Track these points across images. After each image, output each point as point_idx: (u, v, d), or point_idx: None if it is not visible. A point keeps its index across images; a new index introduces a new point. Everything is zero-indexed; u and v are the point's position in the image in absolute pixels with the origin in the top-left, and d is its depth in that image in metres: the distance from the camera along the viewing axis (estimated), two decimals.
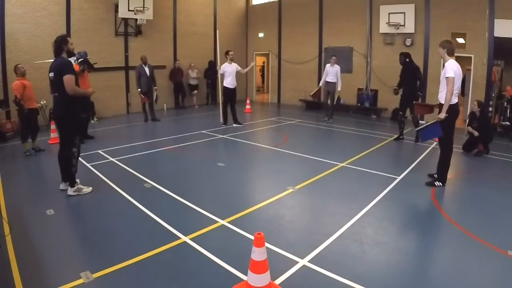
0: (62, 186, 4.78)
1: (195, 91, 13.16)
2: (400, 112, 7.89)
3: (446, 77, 4.62)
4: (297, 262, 3.07)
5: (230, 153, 7.13)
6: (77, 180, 4.71)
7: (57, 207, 4.24)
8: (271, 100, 15.25)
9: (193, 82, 13.08)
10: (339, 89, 10.05)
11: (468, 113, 8.47)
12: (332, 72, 9.97)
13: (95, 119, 10.07)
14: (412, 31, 10.40)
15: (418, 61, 8.81)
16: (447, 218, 4.04)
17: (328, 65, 10.19)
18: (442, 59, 5.20)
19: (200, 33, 13.54)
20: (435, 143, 7.20)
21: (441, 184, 5.00)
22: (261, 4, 14.94)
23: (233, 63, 9.28)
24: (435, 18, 9.91)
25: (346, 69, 12.15)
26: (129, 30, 11.27)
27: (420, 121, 7.97)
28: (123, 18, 10.86)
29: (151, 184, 5.02)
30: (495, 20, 8.68)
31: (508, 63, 9.38)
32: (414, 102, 6.76)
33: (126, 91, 11.54)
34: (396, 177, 5.39)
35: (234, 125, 9.37)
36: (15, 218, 3.93)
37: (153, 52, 11.59)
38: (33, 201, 4.47)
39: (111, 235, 3.64)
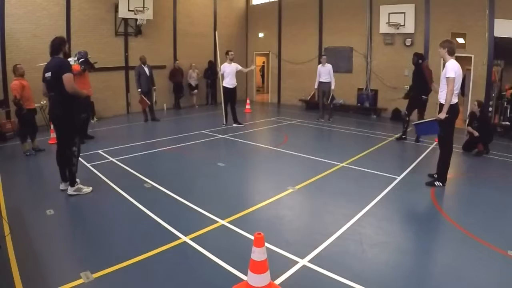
0: (62, 186, 4.78)
1: (195, 91, 13.16)
2: (406, 111, 7.89)
3: (447, 77, 4.61)
4: (297, 262, 3.07)
5: (230, 153, 7.13)
6: (77, 180, 4.71)
7: (57, 207, 4.24)
8: (271, 100, 15.25)
9: (193, 82, 13.09)
10: (333, 87, 10.02)
11: (468, 113, 8.47)
12: (324, 72, 9.93)
13: (95, 119, 10.07)
14: (412, 31, 10.40)
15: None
16: (447, 218, 4.04)
17: (319, 66, 10.17)
18: (442, 59, 5.19)
19: (200, 33, 13.54)
20: (435, 143, 7.20)
21: (441, 184, 5.00)
22: (261, 4, 14.94)
23: (233, 63, 9.29)
24: (435, 18, 9.91)
25: (346, 69, 12.17)
26: (129, 30, 11.27)
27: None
28: (123, 18, 10.86)
29: (151, 184, 5.02)
30: (495, 20, 8.68)
31: (508, 63, 9.39)
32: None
33: (126, 91, 11.54)
34: (396, 177, 5.39)
35: (234, 125, 9.37)
36: (15, 218, 3.92)
37: (153, 52, 11.59)
38: (33, 201, 4.47)
39: (111, 235, 3.65)
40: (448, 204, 4.63)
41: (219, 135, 8.33)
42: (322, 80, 10.01)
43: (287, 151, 6.90)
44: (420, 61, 7.63)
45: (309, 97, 10.83)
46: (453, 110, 4.78)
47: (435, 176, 5.10)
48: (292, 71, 14.00)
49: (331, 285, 2.78)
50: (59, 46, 4.47)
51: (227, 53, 9.30)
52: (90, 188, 4.77)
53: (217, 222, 3.85)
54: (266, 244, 2.72)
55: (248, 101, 12.60)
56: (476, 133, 6.70)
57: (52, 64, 4.43)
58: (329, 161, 6.17)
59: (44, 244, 3.40)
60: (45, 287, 2.74)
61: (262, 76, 19.01)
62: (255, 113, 12.04)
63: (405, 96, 8.17)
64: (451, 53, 4.73)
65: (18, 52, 8.72)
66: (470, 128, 6.87)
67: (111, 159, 6.31)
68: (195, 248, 3.31)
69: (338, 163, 6.06)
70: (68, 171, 4.66)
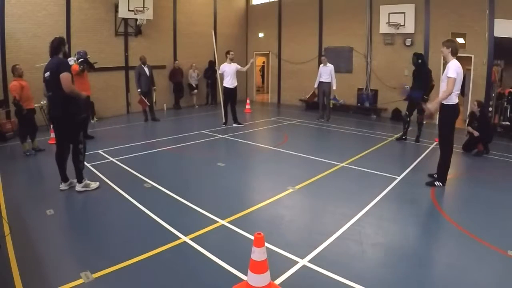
0: (62, 186, 4.79)
1: (195, 91, 13.16)
2: (407, 112, 7.88)
3: (448, 77, 4.58)
4: (297, 262, 3.07)
5: (230, 153, 7.13)
6: (84, 176, 4.76)
7: (57, 207, 4.24)
8: (271, 100, 15.25)
9: (193, 82, 13.08)
10: (334, 88, 10.01)
11: (468, 113, 8.47)
12: (325, 72, 9.92)
13: (95, 119, 10.07)
14: (412, 31, 10.40)
15: None
16: (447, 218, 4.04)
17: (321, 66, 10.17)
18: (443, 59, 5.17)
19: (200, 33, 13.53)
20: (435, 143, 7.20)
21: (441, 184, 5.00)
22: (261, 4, 14.94)
23: (232, 63, 9.29)
24: (435, 18, 9.91)
25: (346, 69, 12.17)
26: (129, 30, 11.27)
27: (423, 122, 7.96)
28: (123, 18, 10.85)
29: (151, 184, 5.02)
30: (495, 20, 8.68)
31: (508, 63, 9.38)
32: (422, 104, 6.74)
33: (126, 91, 11.54)
34: (396, 177, 5.39)
35: (234, 125, 9.37)
36: (15, 218, 3.93)
37: (153, 52, 11.60)
38: (33, 201, 4.47)
39: (111, 235, 3.65)
40: (448, 204, 4.63)
41: (219, 135, 8.33)
42: (322, 80, 10.00)
43: (287, 151, 6.90)
44: (420, 61, 7.63)
45: (308, 96, 10.83)
46: (453, 110, 4.78)
47: (435, 176, 5.10)
48: (292, 71, 14.00)
49: (331, 285, 2.78)
50: (58, 46, 4.49)
51: (227, 52, 9.31)
52: (97, 183, 4.82)
53: (217, 222, 3.85)
54: (266, 244, 2.72)
55: (248, 101, 12.60)
56: (476, 133, 6.70)
57: (51, 63, 4.45)
58: (329, 161, 6.17)
59: (44, 244, 3.40)
60: (45, 287, 2.74)
61: (262, 76, 19.00)
62: (255, 113, 12.04)
63: (406, 97, 8.17)
64: (454, 53, 4.70)
65: (18, 52, 8.72)
66: (470, 128, 6.87)
67: (111, 159, 6.31)
68: (195, 248, 3.31)
69: (338, 163, 6.06)
70: (75, 168, 4.67)
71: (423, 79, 7.50)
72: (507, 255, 3.21)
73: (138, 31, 11.40)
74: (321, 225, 3.93)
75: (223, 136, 8.24)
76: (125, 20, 11.00)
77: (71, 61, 6.88)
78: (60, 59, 4.48)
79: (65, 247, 3.40)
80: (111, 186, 4.96)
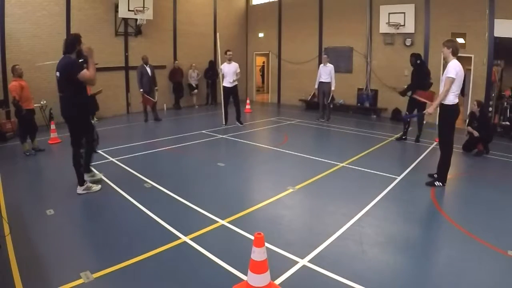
0: (79, 190, 4.67)
1: (195, 91, 13.16)
2: (407, 112, 7.87)
3: (447, 77, 4.59)
4: (297, 262, 3.07)
5: (230, 153, 7.13)
6: (86, 179, 4.75)
7: (57, 207, 4.24)
8: (271, 100, 15.25)
9: (193, 82, 13.09)
10: (333, 88, 10.00)
11: (468, 113, 8.47)
12: (325, 72, 9.90)
13: (95, 119, 10.05)
14: (412, 31, 10.40)
15: None
16: (447, 218, 4.04)
17: (321, 65, 10.16)
18: (443, 59, 5.16)
19: (200, 33, 13.54)
20: (435, 143, 7.20)
21: (441, 184, 5.00)
22: (261, 4, 14.94)
23: (233, 63, 9.30)
24: (435, 18, 9.91)
25: (346, 69, 12.17)
26: (129, 30, 11.27)
27: (423, 122, 7.95)
28: (123, 18, 10.85)
29: (151, 184, 5.02)
30: (495, 20, 8.68)
31: (508, 63, 9.38)
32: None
33: (126, 91, 11.54)
34: (396, 177, 5.39)
35: (236, 123, 9.45)
36: (15, 218, 3.92)
37: (153, 52, 11.59)
38: (33, 201, 4.47)
39: (111, 235, 3.65)
40: (448, 204, 4.63)
41: (219, 135, 8.33)
42: (322, 80, 9.99)
43: (287, 151, 6.90)
44: (419, 61, 7.62)
45: (309, 97, 10.87)
46: (454, 110, 4.78)
47: (435, 176, 5.10)
48: (292, 71, 14.00)
49: (331, 285, 2.78)
50: (73, 43, 4.41)
51: (225, 52, 9.32)
52: (99, 186, 4.81)
53: (217, 222, 3.85)
54: (266, 244, 2.72)
55: (248, 101, 12.60)
56: (476, 133, 6.69)
57: (61, 64, 4.38)
58: (329, 161, 6.17)
59: (44, 244, 3.40)
60: (45, 287, 2.74)
61: (262, 76, 19.00)
62: (255, 113, 12.04)
63: (401, 92, 8.10)
64: (455, 53, 4.69)
65: (18, 52, 8.71)
66: (470, 128, 6.86)
67: (111, 159, 6.31)
68: (195, 248, 3.31)
69: (338, 163, 6.06)
70: (77, 170, 4.65)
71: (422, 79, 7.48)
72: (507, 255, 3.21)
73: (138, 31, 11.40)
74: (321, 225, 3.93)
75: (223, 136, 8.24)
76: (125, 20, 10.99)
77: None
78: (70, 60, 4.36)
79: (65, 247, 3.39)
80: (111, 186, 4.96)
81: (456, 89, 4.66)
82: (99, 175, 4.98)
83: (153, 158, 6.60)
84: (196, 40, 13.39)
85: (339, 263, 3.09)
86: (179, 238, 3.50)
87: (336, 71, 10.15)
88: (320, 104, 10.45)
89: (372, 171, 5.66)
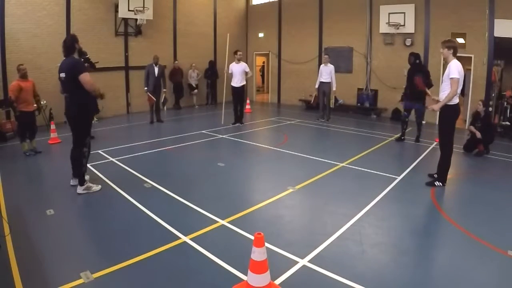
0: (73, 181, 4.83)
1: (195, 91, 13.16)
2: (405, 113, 7.87)
3: (451, 78, 4.56)
4: (297, 262, 3.07)
5: (230, 153, 7.13)
6: (86, 177, 4.78)
7: (57, 207, 4.24)
8: (271, 100, 15.25)
9: (193, 82, 13.08)
10: (334, 88, 10.01)
11: (470, 112, 8.44)
12: (326, 72, 9.91)
13: (95, 119, 10.05)
14: (412, 31, 10.40)
15: None
16: (447, 218, 4.04)
17: (322, 65, 10.18)
18: (443, 59, 5.16)
19: (200, 33, 13.54)
20: (435, 143, 7.20)
21: (441, 184, 5.00)
22: (261, 4, 14.94)
23: (242, 63, 9.37)
24: (435, 18, 9.91)
25: (346, 69, 12.17)
26: (129, 30, 11.27)
27: (422, 122, 7.95)
28: (123, 18, 10.85)
29: (151, 184, 5.02)
30: (495, 20, 8.68)
31: (508, 63, 9.38)
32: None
33: (126, 91, 11.54)
34: (396, 177, 5.39)
35: (237, 123, 9.45)
36: (15, 218, 3.92)
37: (153, 52, 11.49)
38: (33, 201, 4.47)
39: (111, 235, 3.64)
40: (448, 204, 4.63)
41: (219, 135, 8.33)
42: (322, 80, 9.99)
43: (287, 151, 6.90)
44: (418, 61, 7.62)
45: (312, 100, 10.91)
46: (454, 110, 4.77)
47: (435, 176, 5.10)
48: (292, 71, 14.00)
49: (331, 285, 2.78)
50: (73, 44, 4.47)
51: (235, 52, 9.39)
52: (99, 186, 4.82)
53: (217, 222, 3.85)
54: (266, 244, 2.72)
55: (248, 101, 12.59)
56: (478, 134, 6.64)
57: (65, 64, 4.42)
58: (329, 161, 6.17)
59: (44, 244, 3.40)
60: (45, 287, 2.74)
61: (262, 76, 19.01)
62: (255, 113, 12.04)
63: (402, 98, 8.14)
64: (454, 52, 4.69)
65: (18, 52, 8.71)
66: (472, 128, 6.81)
67: (111, 159, 6.31)
68: (195, 248, 3.31)
69: (338, 163, 6.06)
70: (77, 171, 4.68)
71: (422, 78, 7.44)
72: (507, 255, 3.21)
73: (138, 31, 11.40)
74: (321, 225, 3.93)
75: (223, 136, 8.24)
76: (125, 20, 10.99)
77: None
78: (74, 60, 4.44)
79: (65, 247, 3.39)
80: (111, 186, 4.96)
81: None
82: (96, 188, 4.80)
83: (153, 158, 6.60)
84: (196, 40, 13.40)
85: (339, 263, 3.09)
86: (179, 238, 3.50)
87: (336, 71, 10.16)
88: (320, 104, 10.45)
89: (372, 171, 5.66)
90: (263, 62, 18.32)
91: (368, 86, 11.70)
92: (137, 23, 11.20)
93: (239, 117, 9.54)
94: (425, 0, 9.97)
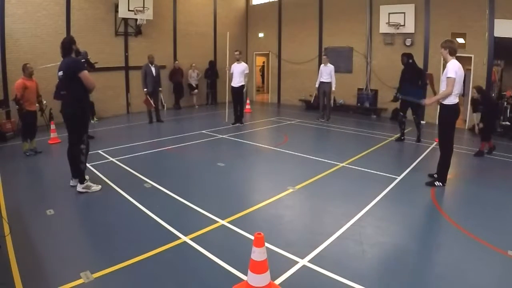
0: (72, 182, 4.84)
1: (195, 91, 13.16)
2: (401, 113, 7.86)
3: (447, 77, 4.59)
4: (297, 262, 3.07)
5: (230, 153, 7.12)
6: (87, 177, 4.78)
7: (57, 207, 4.24)
8: (271, 100, 15.25)
9: (193, 82, 13.09)
10: (333, 88, 10.01)
11: (470, 112, 8.43)
12: (325, 72, 9.92)
13: (95, 119, 10.07)
14: (412, 31, 10.40)
15: (418, 61, 8.78)
16: (447, 218, 4.04)
17: (322, 65, 10.19)
18: (443, 59, 5.18)
19: (200, 33, 13.55)
20: (435, 143, 7.20)
21: (441, 184, 5.00)
22: (261, 4, 14.94)
23: (242, 63, 9.40)
24: (435, 18, 9.91)
25: (346, 69, 12.17)
26: (129, 30, 11.27)
27: (421, 122, 7.95)
28: (123, 18, 10.85)
29: (151, 184, 5.02)
30: (495, 20, 8.68)
31: (508, 63, 9.39)
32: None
33: (126, 91, 11.54)
34: (396, 177, 5.39)
35: (236, 123, 9.45)
36: (15, 218, 3.92)
37: (153, 52, 11.50)
38: (33, 201, 4.47)
39: (111, 235, 3.64)
40: (448, 204, 4.63)
41: (219, 135, 8.33)
42: (323, 80, 10.00)
43: (287, 151, 6.90)
44: (411, 61, 7.63)
45: (312, 100, 10.92)
46: (454, 110, 4.78)
47: (435, 176, 5.10)
48: (292, 71, 14.00)
49: (331, 285, 2.78)
50: (70, 45, 4.52)
51: (234, 52, 9.42)
52: (99, 187, 4.82)
53: (217, 222, 3.85)
54: (266, 244, 2.72)
55: (248, 101, 12.59)
56: (480, 125, 6.65)
57: (64, 63, 4.49)
58: (329, 161, 6.17)
59: (44, 244, 3.40)
60: (45, 287, 2.74)
61: (262, 76, 19.01)
62: (255, 113, 12.05)
63: (393, 98, 8.11)
64: (452, 53, 4.70)
65: (18, 52, 8.72)
66: (474, 117, 6.80)
67: (111, 159, 6.31)
68: (195, 248, 3.31)
69: (338, 163, 6.06)
70: (77, 168, 4.70)
71: (415, 78, 7.48)
72: (507, 255, 3.21)
73: (138, 31, 11.40)
74: (321, 225, 3.93)
75: (223, 136, 8.24)
76: (125, 20, 11.00)
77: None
78: (73, 59, 4.52)
79: (65, 247, 3.39)
80: (111, 186, 4.96)
81: (456, 89, 4.66)
82: (96, 187, 4.80)
83: (153, 158, 6.60)
84: (196, 40, 13.40)
85: (339, 263, 3.09)
86: (179, 238, 3.50)
87: (336, 71, 10.16)
88: (320, 104, 10.45)
89: (372, 171, 5.67)
90: (263, 62, 18.32)
91: (368, 86, 11.69)
92: (137, 23, 11.21)
93: (239, 117, 9.55)
94: (425, 0, 9.98)
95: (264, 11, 14.73)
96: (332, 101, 10.40)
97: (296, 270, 2.96)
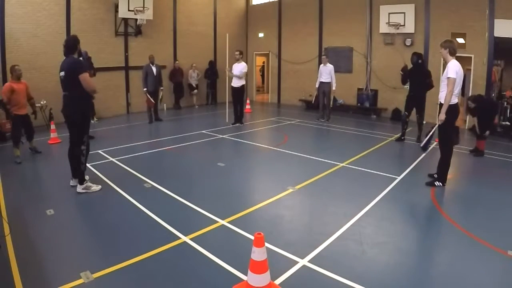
0: (72, 182, 4.84)
1: (195, 91, 13.16)
2: (406, 112, 7.86)
3: (447, 78, 4.60)
4: (297, 262, 3.07)
5: (230, 153, 7.13)
6: (86, 177, 4.79)
7: (57, 207, 4.24)
8: (271, 100, 15.25)
9: (193, 82, 13.09)
10: (333, 88, 10.02)
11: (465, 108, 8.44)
12: (325, 72, 9.93)
13: (95, 119, 10.06)
14: (412, 31, 10.40)
15: None
16: (447, 218, 4.04)
17: (321, 65, 10.20)
18: (443, 59, 5.17)
19: (200, 33, 13.54)
20: (435, 143, 7.20)
21: (441, 184, 5.00)
22: (261, 4, 14.94)
23: (242, 62, 9.41)
24: (435, 18, 9.91)
25: (346, 69, 12.17)
26: (129, 30, 11.27)
27: (423, 122, 7.94)
28: (123, 18, 10.85)
29: (151, 184, 5.02)
30: (495, 20, 8.68)
31: (508, 63, 9.38)
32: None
33: (126, 91, 11.54)
34: (396, 177, 5.39)
35: (237, 124, 9.46)
36: (15, 218, 3.93)
37: (153, 52, 11.51)
38: (33, 201, 4.47)
39: (111, 235, 3.65)
40: (448, 204, 4.63)
41: (219, 135, 8.33)
42: (322, 80, 10.01)
43: (287, 151, 6.90)
44: (420, 61, 7.62)
45: (313, 100, 10.93)
46: (453, 110, 4.78)
47: (435, 176, 5.10)
48: (292, 71, 14.00)
49: (331, 285, 2.78)
50: (74, 44, 4.51)
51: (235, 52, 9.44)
52: (99, 187, 4.81)
53: (217, 222, 3.85)
54: (266, 244, 2.72)
55: (248, 101, 12.59)
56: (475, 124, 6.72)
57: (66, 63, 4.47)
58: (329, 161, 6.17)
59: (44, 244, 3.40)
60: (45, 287, 2.74)
61: (262, 76, 19.01)
62: (255, 113, 12.04)
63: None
64: (452, 53, 4.70)
65: (18, 52, 8.71)
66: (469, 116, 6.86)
67: (111, 159, 6.31)
68: (195, 248, 3.31)
69: (338, 163, 6.06)
70: (77, 169, 4.70)
71: (422, 79, 7.48)
72: (507, 255, 3.21)
73: (138, 31, 11.40)
74: (321, 225, 3.93)
75: (223, 136, 8.24)
76: (125, 20, 10.99)
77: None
78: (75, 59, 4.49)
79: (65, 247, 3.39)
80: (111, 186, 4.96)
81: (455, 89, 4.66)
82: (96, 188, 4.80)
83: (153, 158, 6.60)
84: (196, 40, 13.40)
85: (339, 263, 3.09)
86: (179, 238, 3.50)
87: (336, 71, 10.17)
88: (320, 104, 10.45)
89: (372, 171, 5.66)
90: (263, 62, 18.32)
91: (368, 86, 11.69)
92: (137, 23, 11.20)
93: (239, 117, 9.55)
94: (425, 0, 9.98)
95: (264, 11, 14.73)
96: (331, 101, 10.39)
97: (296, 270, 2.96)
